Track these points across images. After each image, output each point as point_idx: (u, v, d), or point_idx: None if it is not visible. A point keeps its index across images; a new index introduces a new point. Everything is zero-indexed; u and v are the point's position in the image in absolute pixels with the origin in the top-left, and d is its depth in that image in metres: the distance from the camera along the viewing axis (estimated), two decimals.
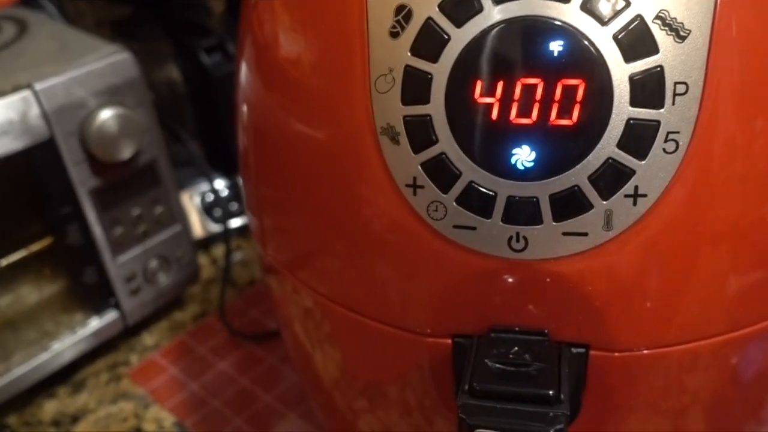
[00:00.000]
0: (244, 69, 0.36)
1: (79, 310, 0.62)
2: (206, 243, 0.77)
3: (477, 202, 0.28)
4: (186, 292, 0.71)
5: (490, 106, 0.26)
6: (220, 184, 0.78)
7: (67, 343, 0.60)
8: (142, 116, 0.56)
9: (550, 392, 0.28)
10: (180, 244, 0.65)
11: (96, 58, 0.54)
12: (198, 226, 0.76)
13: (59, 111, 0.52)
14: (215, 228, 0.77)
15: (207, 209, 0.77)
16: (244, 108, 0.36)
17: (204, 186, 0.77)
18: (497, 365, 0.29)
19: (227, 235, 0.73)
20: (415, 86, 0.27)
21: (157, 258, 0.63)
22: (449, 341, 0.32)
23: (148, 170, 0.59)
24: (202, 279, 0.72)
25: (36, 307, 0.60)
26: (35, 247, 0.58)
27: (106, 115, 0.53)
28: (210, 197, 0.77)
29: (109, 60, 0.54)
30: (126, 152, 0.55)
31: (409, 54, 0.27)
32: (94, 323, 0.62)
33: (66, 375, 0.63)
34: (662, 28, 0.24)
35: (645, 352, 0.30)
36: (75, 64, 0.53)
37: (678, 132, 0.25)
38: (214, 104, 0.74)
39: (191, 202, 0.77)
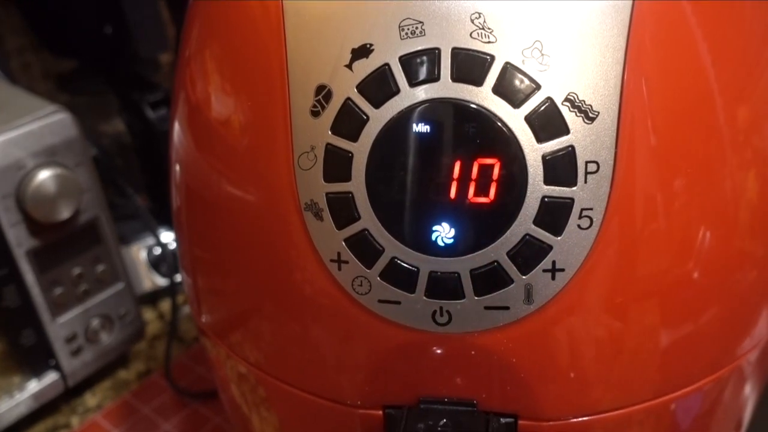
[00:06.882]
0: (176, 127, 0.35)
1: (17, 373, 0.60)
2: (153, 297, 0.76)
3: (400, 277, 0.28)
4: (131, 349, 0.70)
5: (409, 184, 0.26)
6: (168, 237, 0.76)
7: (4, 408, 0.58)
8: (81, 176, 0.55)
9: None
10: (123, 302, 0.64)
11: (34, 118, 0.53)
12: (145, 280, 0.75)
13: None
14: (162, 282, 0.75)
15: (154, 263, 0.76)
16: (177, 167, 0.36)
17: (151, 239, 0.76)
18: None
19: (174, 289, 0.71)
20: (337, 164, 0.27)
21: (99, 317, 0.62)
22: (380, 412, 0.31)
23: (88, 229, 0.58)
24: (148, 335, 0.71)
25: None
26: None
27: (43, 175, 0.52)
28: (157, 251, 0.76)
29: (47, 120, 0.53)
30: (64, 212, 0.54)
31: (329, 133, 0.27)
32: (33, 386, 0.60)
33: None
34: (571, 110, 0.25)
35: (573, 420, 0.30)
36: (13, 124, 0.52)
37: (591, 209, 0.26)
38: (160, 158, 0.73)
39: (138, 255, 0.75)
